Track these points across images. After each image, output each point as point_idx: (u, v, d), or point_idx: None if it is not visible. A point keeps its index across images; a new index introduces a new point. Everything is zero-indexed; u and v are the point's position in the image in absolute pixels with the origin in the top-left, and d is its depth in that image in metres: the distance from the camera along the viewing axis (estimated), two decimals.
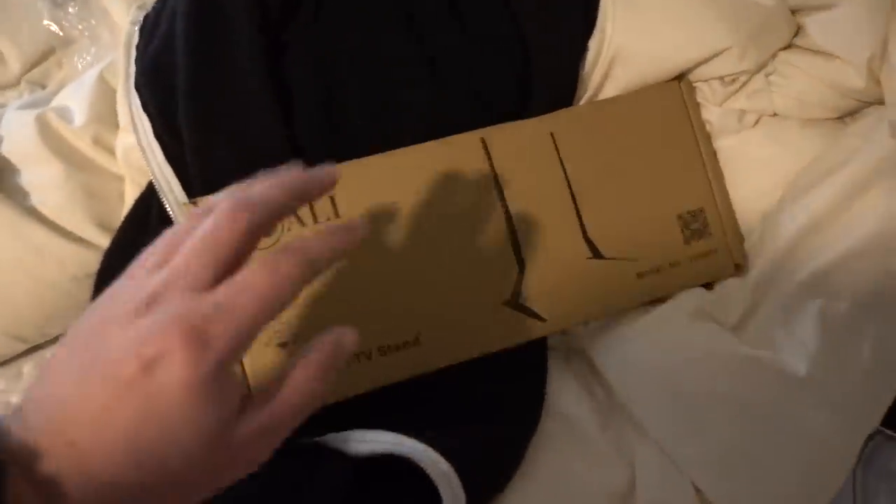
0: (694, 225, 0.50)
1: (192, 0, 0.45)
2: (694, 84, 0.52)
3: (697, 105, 0.52)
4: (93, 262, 0.48)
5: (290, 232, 0.45)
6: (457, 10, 0.48)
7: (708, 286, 0.52)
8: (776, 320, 0.46)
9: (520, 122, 0.48)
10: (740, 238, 0.52)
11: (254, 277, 0.24)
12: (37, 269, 0.46)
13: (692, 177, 0.51)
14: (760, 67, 0.50)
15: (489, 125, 0.48)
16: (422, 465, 0.38)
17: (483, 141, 0.47)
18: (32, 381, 0.25)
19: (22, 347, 0.49)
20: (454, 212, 0.46)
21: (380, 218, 0.45)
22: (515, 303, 0.47)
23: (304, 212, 0.45)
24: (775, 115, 0.52)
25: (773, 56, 0.51)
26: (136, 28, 0.49)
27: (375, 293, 0.44)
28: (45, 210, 0.47)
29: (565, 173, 0.48)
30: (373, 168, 0.46)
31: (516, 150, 0.48)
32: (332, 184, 0.29)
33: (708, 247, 0.51)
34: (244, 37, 0.45)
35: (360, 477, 0.41)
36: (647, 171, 0.50)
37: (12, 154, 0.48)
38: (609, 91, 0.52)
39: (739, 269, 0.51)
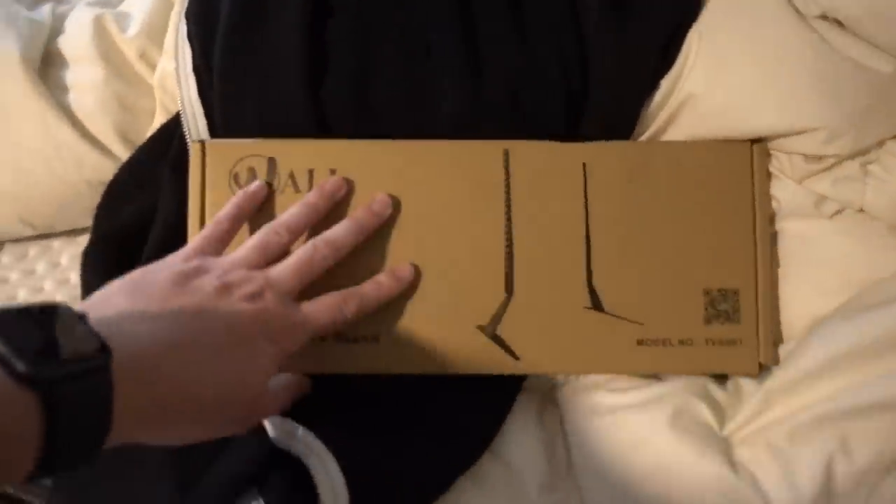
0: (722, 305, 0.44)
1: None
2: (771, 151, 0.45)
3: (767, 175, 0.45)
4: (108, 171, 0.48)
5: (284, 195, 0.43)
6: (519, 12, 0.44)
7: (721, 378, 0.46)
8: (776, 445, 0.39)
9: (552, 143, 0.44)
10: (776, 337, 0.45)
11: (328, 308, 0.38)
12: (55, 164, 0.48)
13: (736, 252, 0.44)
14: (857, 154, 0.43)
15: (523, 133, 0.44)
16: (311, 469, 0.36)
17: (506, 152, 0.43)
18: (133, 295, 0.32)
19: (30, 233, 0.51)
20: (453, 218, 0.43)
21: None
22: (491, 331, 0.43)
23: (301, 179, 0.43)
24: (862, 210, 0.44)
25: (881, 144, 0.43)
26: None
27: (343, 273, 0.41)
28: (78, 110, 0.48)
29: (587, 210, 0.43)
30: (385, 152, 0.43)
31: (539, 171, 0.43)
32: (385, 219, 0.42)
33: (732, 335, 0.44)
34: None
35: (275, 455, 0.40)
36: (683, 231, 0.44)
37: (66, 49, 0.50)
38: (672, 136, 0.46)
39: (763, 370, 0.45)
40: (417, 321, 0.43)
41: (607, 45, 0.43)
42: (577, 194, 0.43)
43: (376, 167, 0.43)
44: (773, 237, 0.45)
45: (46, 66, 0.49)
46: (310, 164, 0.43)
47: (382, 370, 0.43)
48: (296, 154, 0.43)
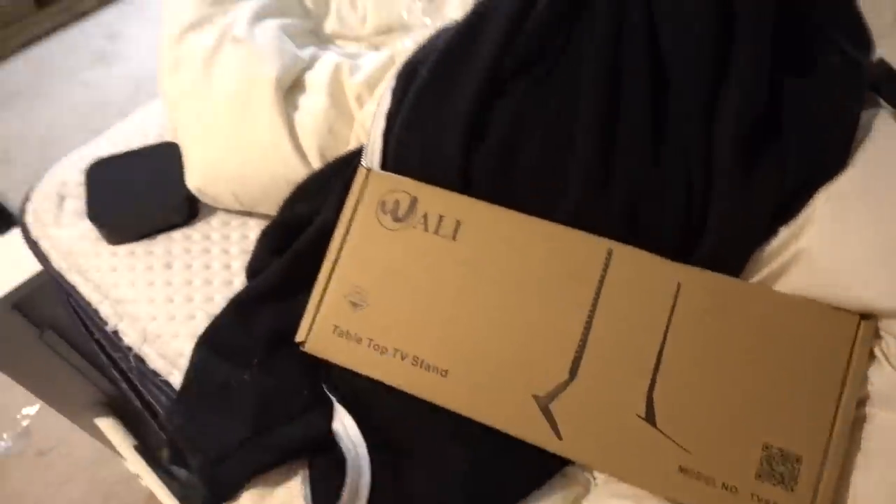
0: (779, 467, 0.43)
1: (466, 17, 0.54)
2: (882, 333, 0.43)
3: (869, 355, 0.43)
4: (303, 175, 0.61)
5: (415, 230, 0.51)
6: (659, 134, 0.48)
7: None
8: None
9: (654, 256, 0.47)
10: None
11: None
12: (269, 159, 0.61)
13: (812, 420, 0.43)
14: None
15: (634, 240, 0.47)
16: (348, 469, 0.43)
17: (609, 251, 0.47)
18: None
19: (237, 207, 0.65)
20: (544, 291, 0.48)
21: (483, 257, 0.49)
22: (545, 404, 0.47)
23: (432, 221, 0.51)
24: None
25: None
26: (434, 29, 0.59)
27: (438, 309, 0.49)
28: (299, 126, 0.61)
29: (668, 327, 0.45)
30: (504, 219, 0.50)
31: (634, 278, 0.47)
32: None
33: (781, 500, 0.43)
34: (481, 66, 0.52)
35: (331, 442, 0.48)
36: (761, 379, 0.44)
37: (309, 80, 0.64)
38: (780, 286, 0.46)
39: None
40: (484, 370, 0.48)
41: (733, 185, 0.46)
42: (664, 309, 0.46)
43: (494, 229, 0.50)
44: (859, 420, 0.43)
45: (292, 89, 0.64)
46: (442, 211, 0.51)
47: (440, 402, 0.48)
48: (433, 200, 0.51)
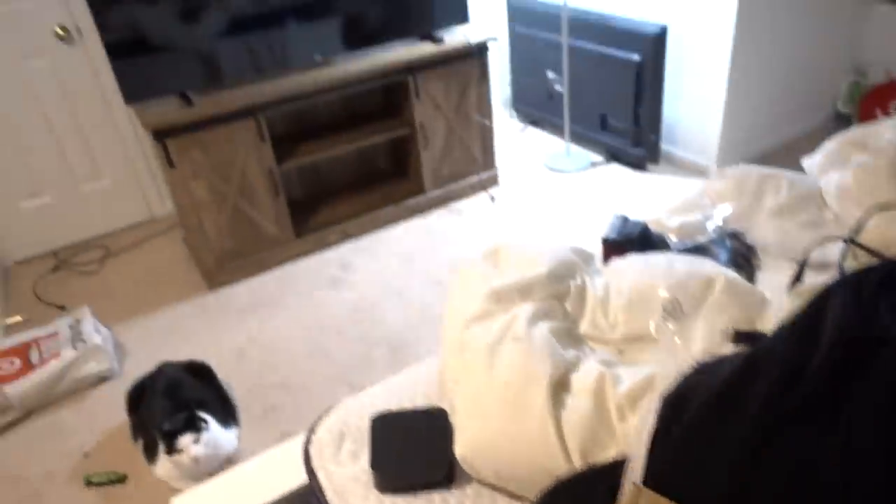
0: None
1: (740, 360, 0.62)
2: None
3: None
4: (562, 470, 0.68)
5: None
6: None
7: None
8: None
9: None
10: None
11: None
12: (535, 448, 0.70)
13: None
14: None
15: None
16: None
17: None
18: None
19: (492, 481, 0.73)
20: None
21: None
22: None
23: None
24: None
25: None
26: (686, 351, 0.68)
27: None
28: (564, 423, 0.70)
29: None
30: None
31: None
32: None
33: None
34: (755, 412, 0.58)
35: None
36: None
37: (577, 382, 0.74)
38: None
39: None
40: None
41: None
42: None
43: None
44: None
45: (558, 387, 0.74)
46: None
47: None
48: None
